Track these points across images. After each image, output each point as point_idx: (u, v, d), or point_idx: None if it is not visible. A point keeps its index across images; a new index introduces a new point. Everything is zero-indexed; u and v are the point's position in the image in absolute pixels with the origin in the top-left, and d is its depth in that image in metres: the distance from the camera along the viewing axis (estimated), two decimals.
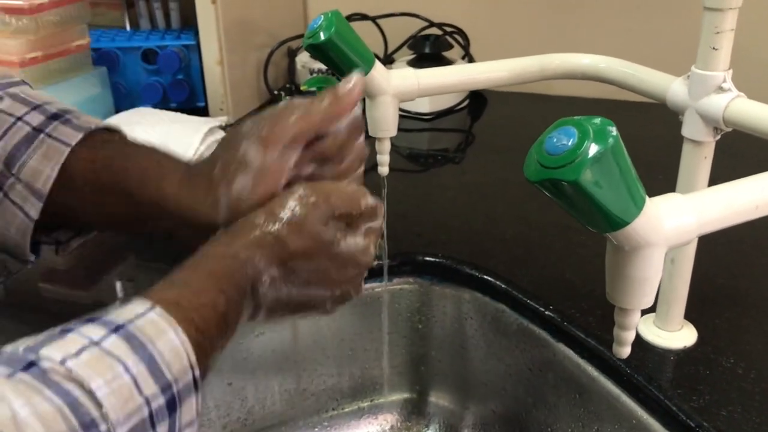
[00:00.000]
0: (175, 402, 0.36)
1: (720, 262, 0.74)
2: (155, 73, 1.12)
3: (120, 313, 0.37)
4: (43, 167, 0.49)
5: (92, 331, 0.35)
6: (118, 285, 0.74)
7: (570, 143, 0.32)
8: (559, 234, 0.79)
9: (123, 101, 1.11)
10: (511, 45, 1.20)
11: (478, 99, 1.22)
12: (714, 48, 0.51)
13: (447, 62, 1.17)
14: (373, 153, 0.64)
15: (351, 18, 1.17)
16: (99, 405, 0.32)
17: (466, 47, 1.20)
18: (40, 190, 0.49)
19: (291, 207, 0.46)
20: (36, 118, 0.50)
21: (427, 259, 0.76)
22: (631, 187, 0.34)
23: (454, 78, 0.65)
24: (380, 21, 1.20)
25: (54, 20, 0.98)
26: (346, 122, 0.49)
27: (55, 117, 0.51)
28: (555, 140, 0.32)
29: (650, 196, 0.36)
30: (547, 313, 0.67)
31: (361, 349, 0.79)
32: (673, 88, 0.55)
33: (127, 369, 0.34)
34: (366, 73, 0.58)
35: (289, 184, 0.48)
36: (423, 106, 1.14)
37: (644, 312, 0.40)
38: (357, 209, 0.47)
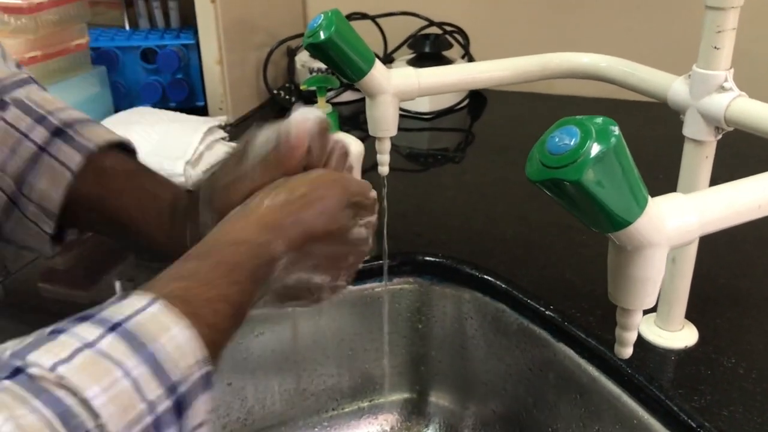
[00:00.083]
0: (183, 404, 0.33)
1: (721, 261, 0.73)
2: (154, 72, 1.12)
3: (117, 310, 0.33)
4: (50, 191, 0.52)
5: (86, 331, 0.32)
6: (118, 285, 0.74)
7: (572, 143, 0.31)
8: (560, 234, 0.79)
9: (122, 101, 1.11)
10: (511, 44, 1.20)
11: (478, 98, 1.22)
12: (715, 47, 0.51)
13: (447, 61, 1.17)
14: (374, 152, 0.64)
15: (351, 17, 1.17)
16: (95, 415, 0.29)
17: (465, 46, 1.20)
18: (51, 211, 0.52)
19: (315, 187, 0.45)
20: (40, 134, 0.52)
21: (427, 258, 0.76)
22: (633, 186, 0.33)
23: (455, 77, 0.65)
24: (380, 20, 1.20)
25: (53, 19, 0.98)
26: (313, 140, 0.47)
27: (57, 133, 0.52)
28: (557, 140, 0.32)
29: (651, 195, 0.36)
30: (547, 312, 0.67)
31: (361, 349, 0.79)
32: (674, 87, 0.55)
33: (126, 373, 0.31)
34: (366, 72, 0.58)
35: None
36: (423, 105, 1.14)
37: (645, 312, 0.40)
38: (367, 199, 0.48)
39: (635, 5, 1.14)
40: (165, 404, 0.32)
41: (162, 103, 1.11)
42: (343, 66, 0.57)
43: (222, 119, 1.03)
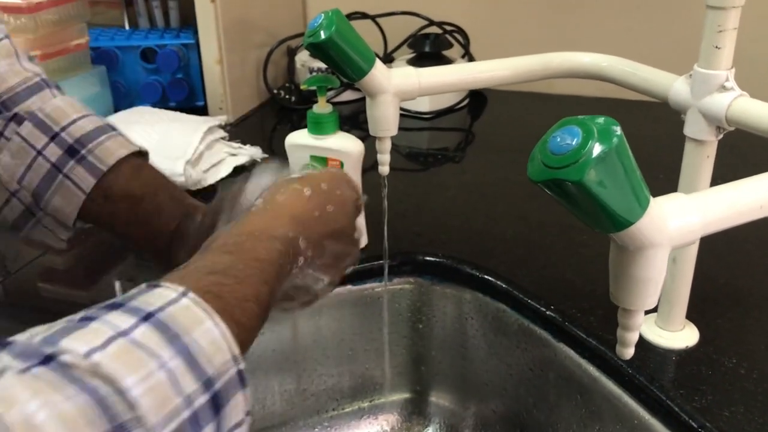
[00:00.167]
0: (219, 401, 0.31)
1: (722, 261, 0.73)
2: (154, 72, 1.12)
3: (147, 299, 0.32)
4: (65, 207, 0.55)
5: (118, 319, 0.30)
6: (118, 285, 0.74)
7: (574, 143, 0.31)
8: (560, 233, 0.79)
9: (122, 100, 1.11)
10: (511, 44, 1.20)
11: (478, 98, 1.22)
12: (717, 46, 0.51)
13: (447, 61, 1.17)
14: (374, 152, 0.64)
15: (351, 16, 1.17)
16: (133, 406, 0.27)
17: (466, 46, 1.20)
18: (66, 223, 0.56)
19: (334, 185, 0.45)
20: (54, 153, 0.55)
21: (428, 258, 0.76)
22: (635, 186, 0.33)
23: (456, 77, 0.65)
24: (380, 20, 1.20)
25: (53, 19, 0.97)
26: None
27: (71, 152, 0.55)
28: (559, 140, 0.32)
29: (652, 195, 0.36)
30: (548, 312, 0.67)
31: (361, 349, 0.78)
32: (676, 86, 0.55)
33: (162, 364, 0.29)
34: (367, 72, 0.58)
35: None
36: (423, 105, 1.13)
37: (646, 312, 0.40)
38: (360, 200, 0.49)
39: (636, 5, 1.14)
40: (201, 399, 0.30)
41: (162, 103, 1.11)
42: (343, 65, 0.57)
43: (222, 119, 1.03)
